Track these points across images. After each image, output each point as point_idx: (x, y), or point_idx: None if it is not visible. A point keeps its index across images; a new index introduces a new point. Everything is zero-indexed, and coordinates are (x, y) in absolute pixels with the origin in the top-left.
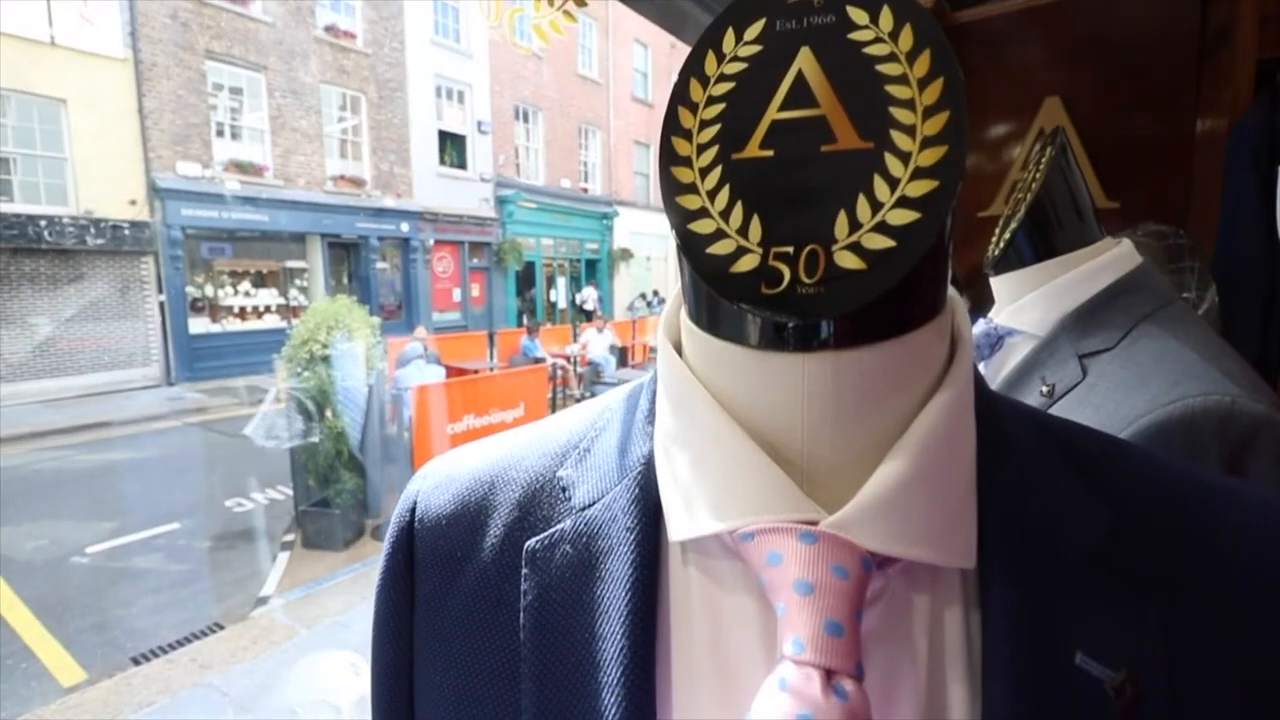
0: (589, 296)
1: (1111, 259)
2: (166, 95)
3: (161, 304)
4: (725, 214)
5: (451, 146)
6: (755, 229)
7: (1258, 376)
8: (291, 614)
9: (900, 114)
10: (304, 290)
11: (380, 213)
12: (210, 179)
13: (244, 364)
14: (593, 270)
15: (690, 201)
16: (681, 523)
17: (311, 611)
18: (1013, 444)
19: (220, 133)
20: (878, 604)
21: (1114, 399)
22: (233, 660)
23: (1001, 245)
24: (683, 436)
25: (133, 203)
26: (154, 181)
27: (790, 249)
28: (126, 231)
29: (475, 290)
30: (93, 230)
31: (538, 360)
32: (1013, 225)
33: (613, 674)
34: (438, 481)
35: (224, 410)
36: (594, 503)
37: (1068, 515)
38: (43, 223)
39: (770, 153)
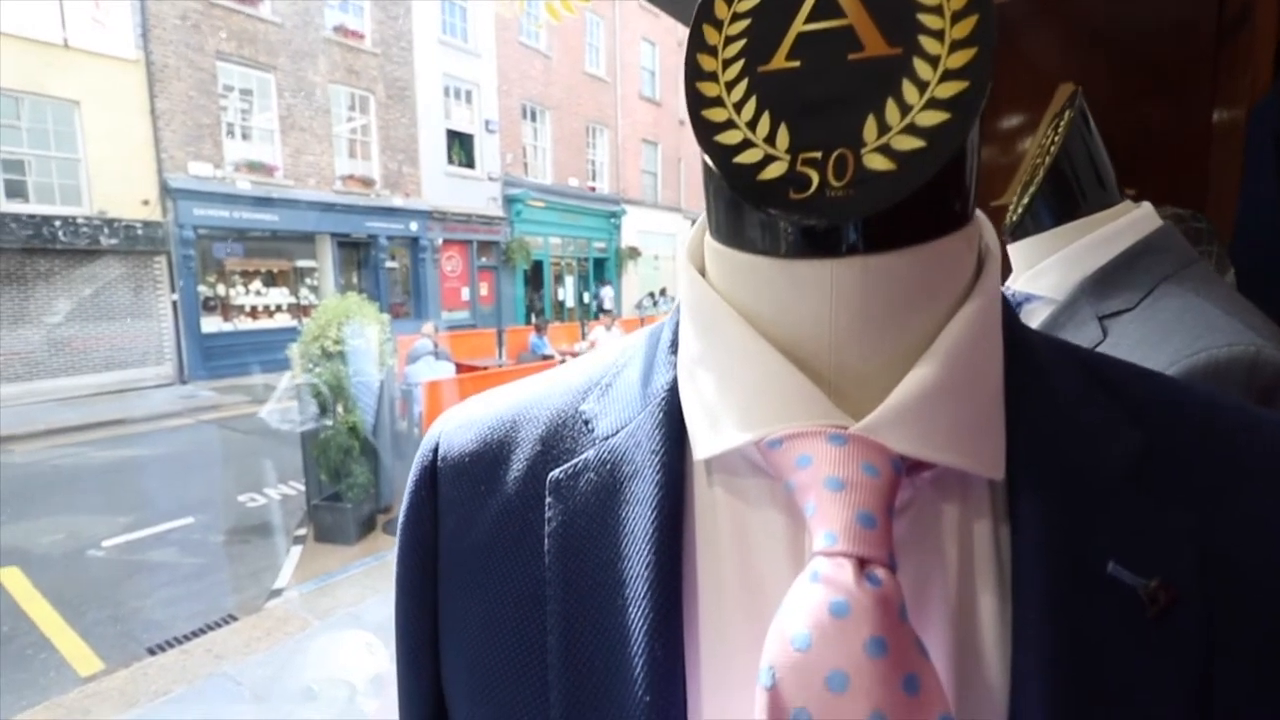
0: (607, 295)
1: (1131, 221)
2: (178, 96)
3: (174, 303)
4: (752, 124)
5: (459, 146)
6: (783, 136)
7: None
8: (305, 605)
9: (928, 19)
10: (314, 289)
11: (389, 212)
12: (221, 179)
13: (256, 362)
14: (601, 269)
15: (716, 114)
16: (707, 440)
17: (325, 603)
18: (1041, 365)
19: (231, 133)
20: (907, 513)
21: (1136, 356)
22: (247, 651)
23: (1019, 211)
24: (708, 357)
25: (145, 203)
26: (166, 181)
27: (818, 154)
28: (139, 231)
29: (484, 289)
30: (106, 230)
31: (546, 357)
32: (1031, 190)
33: (639, 589)
34: (460, 422)
35: (237, 408)
36: (617, 431)
37: (1098, 432)
38: (57, 223)
39: (797, 64)
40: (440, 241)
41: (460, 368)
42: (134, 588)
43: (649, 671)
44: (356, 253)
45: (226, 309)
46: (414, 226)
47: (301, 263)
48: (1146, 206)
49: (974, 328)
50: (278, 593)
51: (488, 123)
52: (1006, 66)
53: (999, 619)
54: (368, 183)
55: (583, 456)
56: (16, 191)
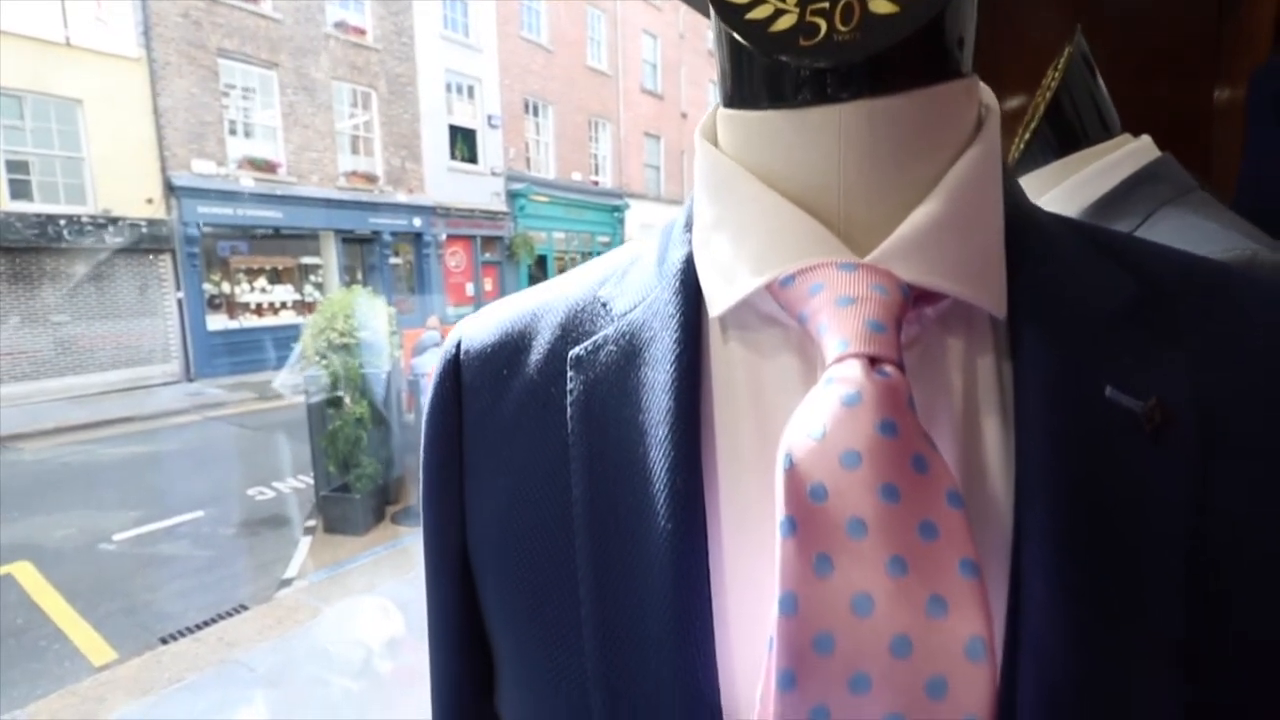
0: None
1: (1130, 152)
2: (180, 94)
3: (180, 301)
4: None
5: (462, 141)
6: None
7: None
8: (315, 595)
9: None
10: (319, 286)
11: (393, 208)
12: (225, 176)
13: (261, 359)
14: None
15: None
16: (722, 295)
17: (335, 592)
18: (1039, 222)
19: (233, 130)
20: (915, 349)
21: None
22: (259, 639)
23: (1021, 146)
24: (722, 219)
25: (149, 201)
26: (170, 179)
27: (826, 4)
28: (144, 229)
29: (488, 284)
30: (111, 229)
31: None
32: (1032, 125)
33: (659, 434)
34: (480, 321)
35: (243, 405)
36: (635, 307)
37: (1094, 278)
38: (62, 222)
39: None
40: (444, 237)
41: None
42: (145, 580)
43: (671, 501)
44: (360, 249)
45: (232, 306)
46: (418, 222)
47: (306, 259)
48: (1146, 139)
49: (976, 171)
50: (288, 582)
51: (490, 118)
52: (1007, 47)
53: (1003, 444)
54: (371, 179)
55: (602, 333)
56: (21, 191)
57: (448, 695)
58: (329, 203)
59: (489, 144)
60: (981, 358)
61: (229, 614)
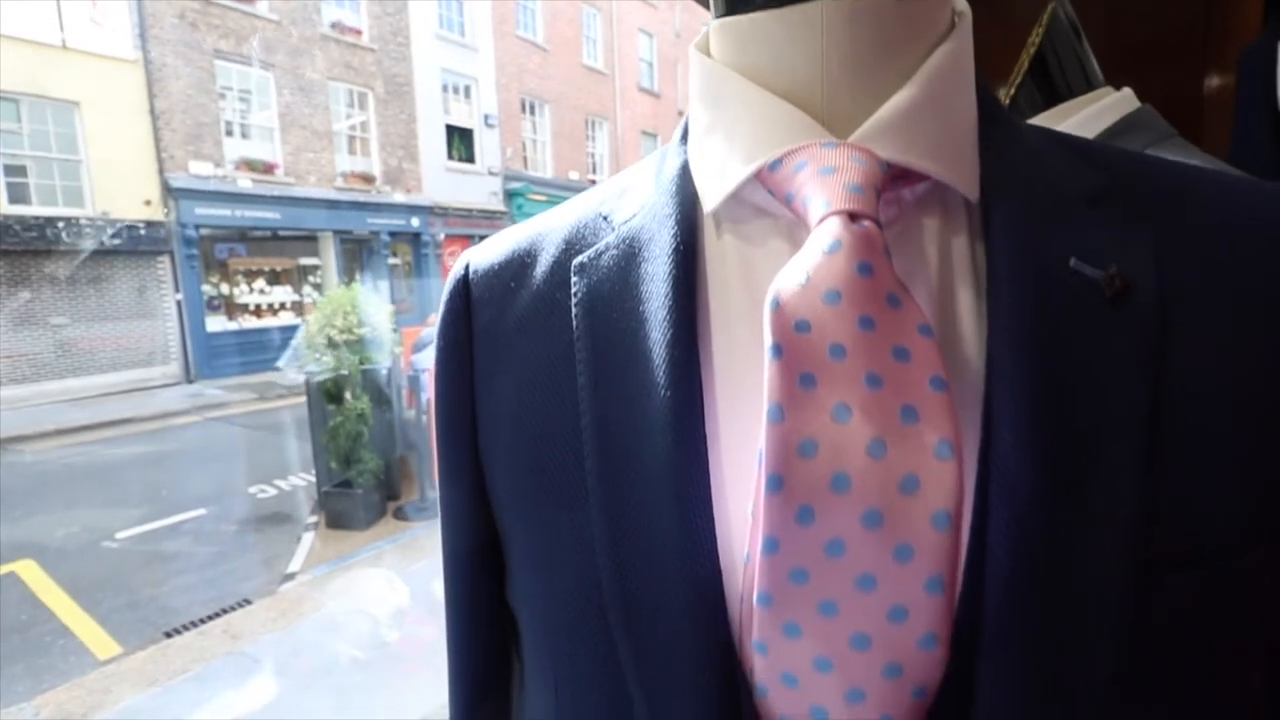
0: None
1: (1113, 102)
2: (177, 95)
3: (179, 303)
4: None
5: (459, 141)
6: None
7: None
8: (318, 588)
9: None
10: (318, 287)
11: (390, 208)
12: (222, 178)
13: (261, 360)
14: None
15: None
16: (715, 190)
17: (338, 585)
18: (1010, 120)
19: (230, 132)
20: (893, 229)
21: None
22: (263, 631)
23: (1007, 101)
24: (715, 122)
25: (147, 203)
26: (167, 181)
27: None
28: (142, 231)
29: None
30: (109, 231)
31: None
32: (1017, 81)
33: (658, 316)
34: (487, 244)
35: (244, 405)
36: (634, 215)
37: (1062, 169)
38: (60, 224)
39: None
40: (442, 237)
41: None
42: (149, 576)
43: (669, 371)
44: (359, 249)
45: (231, 308)
46: (415, 222)
47: (304, 260)
48: (1127, 91)
49: (950, 63)
50: (291, 577)
51: (487, 117)
52: (994, 39)
53: (975, 312)
54: (368, 179)
55: (604, 241)
56: (19, 194)
57: (463, 595)
58: (327, 203)
59: (486, 144)
60: (956, 237)
61: (233, 608)
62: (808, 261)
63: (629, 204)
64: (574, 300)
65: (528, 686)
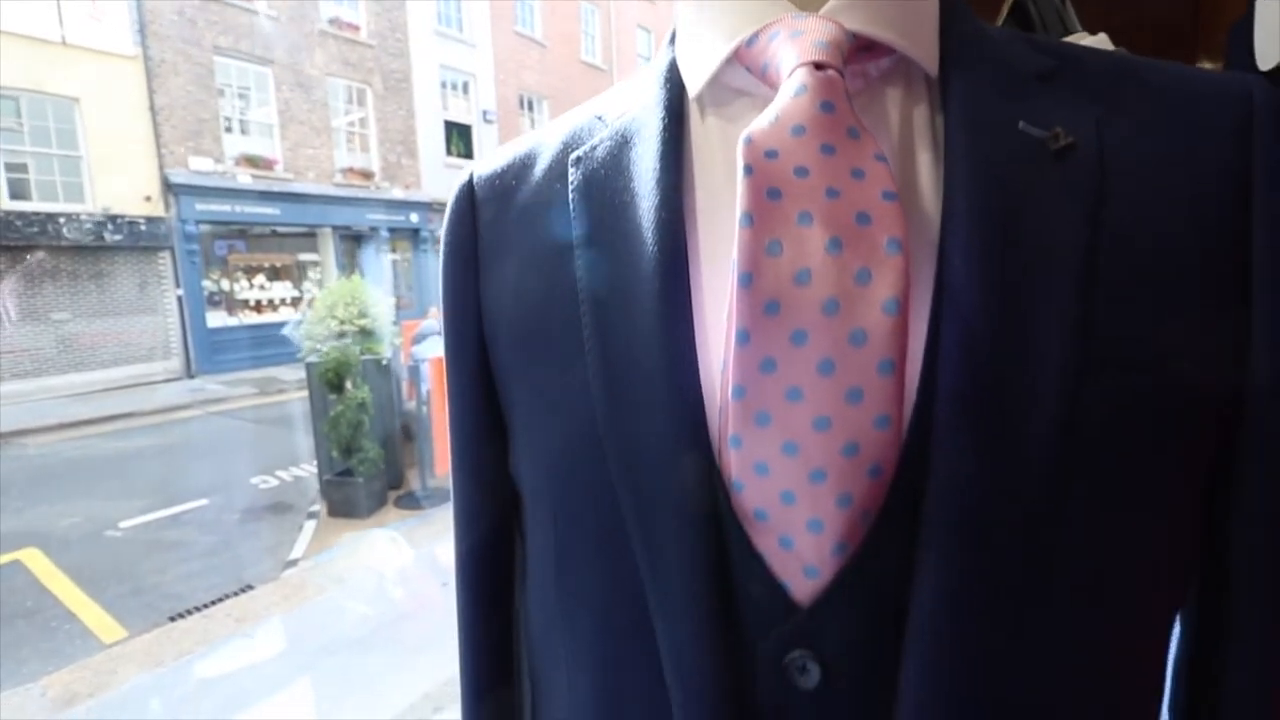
0: None
1: (1090, 45)
2: (176, 91)
3: (179, 298)
4: None
5: (458, 137)
6: None
7: None
8: (321, 573)
9: None
10: (317, 283)
11: (389, 204)
12: (222, 173)
13: (261, 356)
14: None
15: None
16: (699, 74)
17: (340, 570)
18: (967, 11)
19: (230, 128)
20: (859, 99)
21: None
22: (267, 614)
23: None
24: (698, 16)
25: (148, 199)
26: (167, 177)
27: None
28: (143, 227)
29: None
30: (110, 226)
31: None
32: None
33: (647, 187)
34: (490, 154)
35: (245, 400)
36: (626, 112)
37: (1016, 52)
38: (62, 220)
39: None
40: (441, 233)
41: None
42: (152, 564)
43: (657, 231)
44: (358, 246)
45: (231, 304)
46: (415, 218)
47: (304, 256)
48: (1102, 35)
49: None
50: (294, 563)
51: (485, 113)
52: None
53: (933, 171)
54: (367, 175)
55: (599, 136)
56: (20, 190)
57: (471, 466)
58: (326, 199)
59: (485, 140)
60: (917, 106)
61: (237, 593)
62: (778, 105)
63: (621, 104)
64: (571, 188)
65: (529, 563)
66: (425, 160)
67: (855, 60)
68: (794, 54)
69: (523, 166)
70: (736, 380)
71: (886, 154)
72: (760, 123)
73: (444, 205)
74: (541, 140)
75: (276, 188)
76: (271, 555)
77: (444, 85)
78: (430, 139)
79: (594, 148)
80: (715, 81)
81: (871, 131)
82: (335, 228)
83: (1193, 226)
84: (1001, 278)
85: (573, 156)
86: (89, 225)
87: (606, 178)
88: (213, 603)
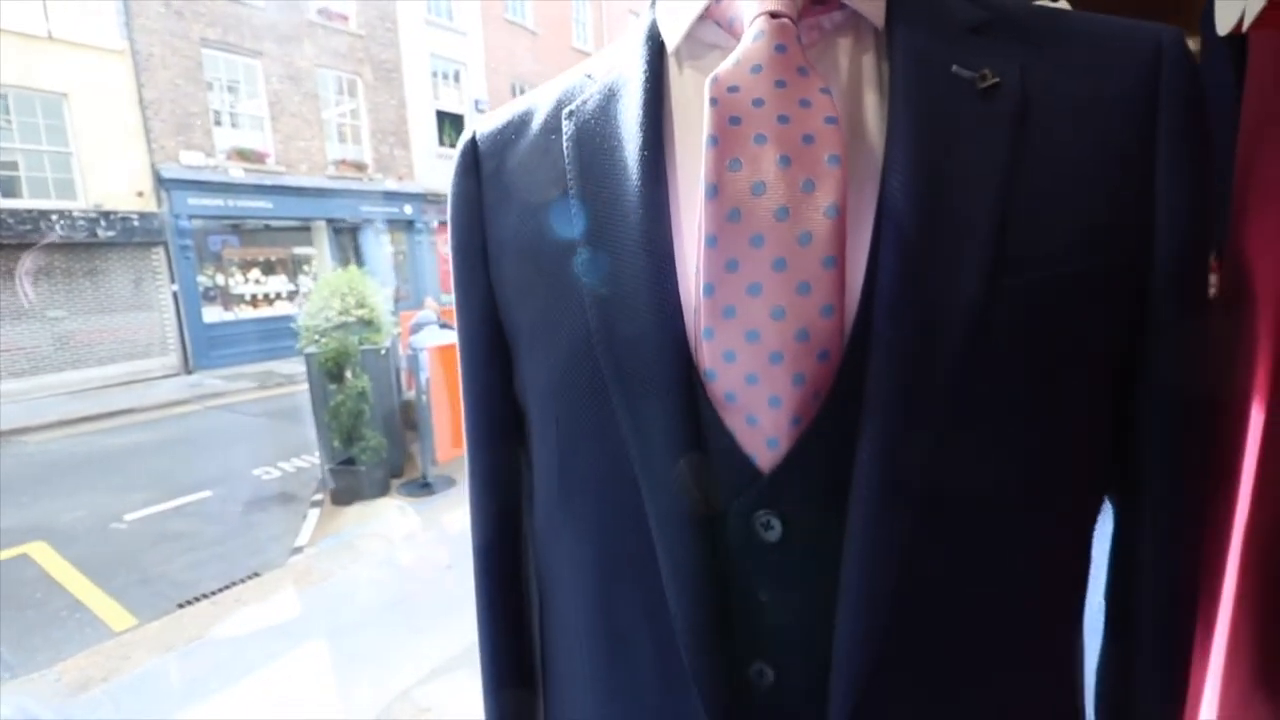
0: None
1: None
2: (165, 85)
3: (175, 294)
4: None
5: (450, 127)
6: None
7: None
8: (327, 559)
9: None
10: (312, 277)
11: (383, 196)
12: (214, 167)
13: (259, 350)
14: None
15: None
16: (675, 32)
17: (346, 557)
18: None
19: (220, 121)
20: (815, 48)
21: None
22: (274, 599)
23: None
24: None
25: (140, 194)
26: (159, 172)
27: None
28: (136, 223)
29: None
30: (103, 223)
31: None
32: None
33: (632, 131)
34: (489, 114)
35: (243, 394)
36: (612, 70)
37: (954, 6)
38: (54, 217)
39: None
40: (435, 224)
41: None
42: (159, 555)
43: (641, 167)
44: (353, 238)
45: (227, 299)
46: (408, 210)
47: (299, 250)
48: (1063, 2)
49: None
50: (299, 550)
51: (477, 102)
52: None
53: (878, 109)
54: (360, 167)
55: (588, 92)
56: (10, 188)
57: (481, 391)
58: (319, 192)
59: None
60: (865, 55)
61: (244, 580)
62: (740, 48)
63: (608, 63)
64: (564, 139)
65: (536, 473)
66: (418, 151)
67: (811, 14)
68: (755, 5)
69: (520, 123)
70: (706, 279)
71: (837, 94)
72: (726, 64)
73: (438, 196)
74: (536, 100)
75: (269, 181)
76: (277, 543)
77: (435, 75)
78: (422, 129)
79: (584, 102)
80: (690, 37)
81: (825, 74)
82: (329, 221)
83: (1101, 148)
84: (930, 190)
85: (565, 110)
86: (82, 222)
87: (596, 126)
88: (220, 590)
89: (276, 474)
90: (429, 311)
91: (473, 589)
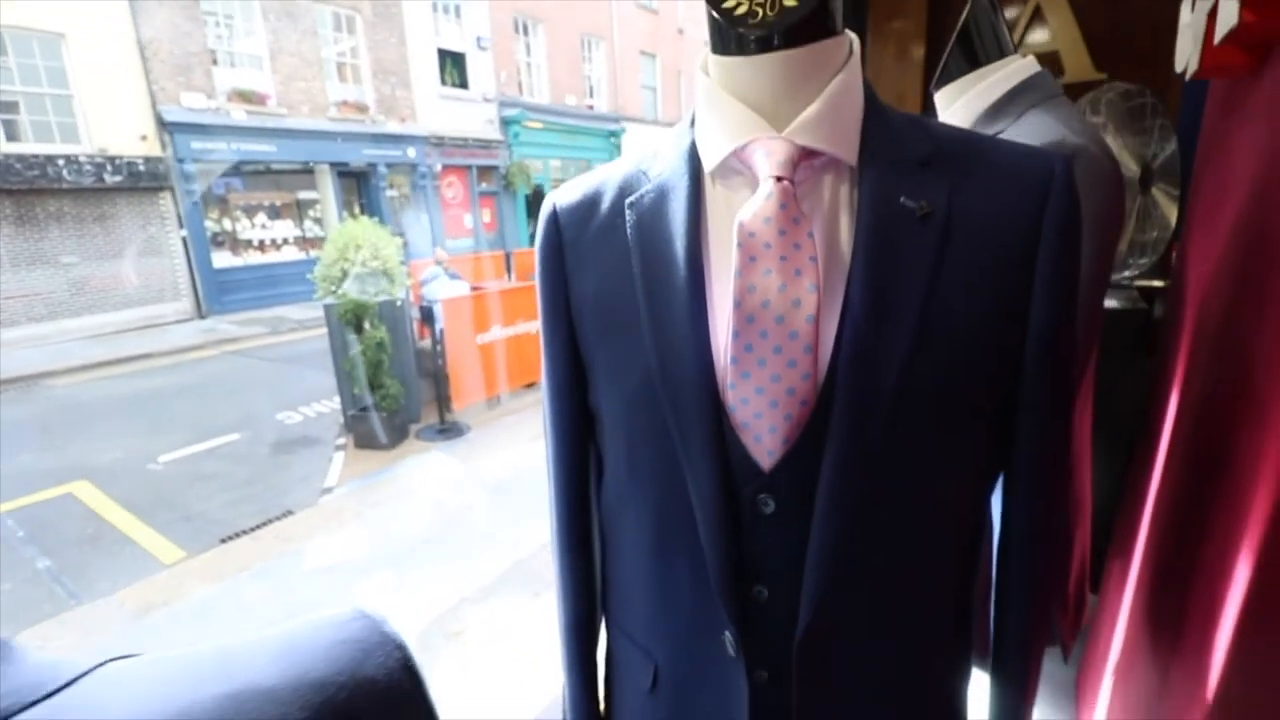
0: None
1: (1016, 69)
2: (162, 24)
3: (184, 239)
4: None
5: (452, 65)
6: None
7: (1096, 132)
8: (356, 499)
9: None
10: (318, 221)
11: (386, 139)
12: (215, 109)
13: (269, 295)
14: None
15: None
16: (711, 158)
17: (373, 497)
18: (884, 112)
19: (218, 61)
20: (805, 184)
21: None
22: (312, 535)
23: (941, 66)
24: (709, 119)
25: (143, 138)
26: (161, 115)
27: (763, 1)
28: (141, 167)
29: (486, 216)
30: (109, 168)
31: None
32: (948, 50)
33: (678, 232)
34: (565, 190)
35: (257, 339)
36: (663, 173)
37: (910, 140)
38: (60, 162)
39: None
40: (439, 168)
41: (472, 289)
42: (196, 494)
43: (686, 263)
44: (357, 183)
45: (235, 244)
46: (412, 153)
47: (303, 194)
48: (1030, 59)
49: (843, 85)
50: (329, 490)
51: (479, 39)
52: (956, 9)
53: (849, 230)
54: (362, 108)
55: (644, 188)
56: (14, 132)
57: (564, 400)
58: (321, 134)
59: (479, 68)
60: (842, 187)
61: (279, 517)
62: (756, 201)
63: (659, 165)
64: (628, 224)
65: (606, 459)
66: (419, 91)
67: (805, 159)
68: (767, 165)
69: (592, 203)
70: (732, 354)
71: (818, 220)
72: (746, 211)
73: (441, 139)
74: (604, 182)
75: (271, 124)
76: (306, 484)
77: (435, 9)
78: (423, 68)
79: (641, 196)
80: (722, 166)
81: (812, 205)
82: (333, 164)
83: (999, 258)
84: (877, 296)
85: (627, 201)
86: (89, 167)
87: (652, 221)
88: (259, 526)
89: (299, 418)
90: (436, 267)
91: (512, 528)
